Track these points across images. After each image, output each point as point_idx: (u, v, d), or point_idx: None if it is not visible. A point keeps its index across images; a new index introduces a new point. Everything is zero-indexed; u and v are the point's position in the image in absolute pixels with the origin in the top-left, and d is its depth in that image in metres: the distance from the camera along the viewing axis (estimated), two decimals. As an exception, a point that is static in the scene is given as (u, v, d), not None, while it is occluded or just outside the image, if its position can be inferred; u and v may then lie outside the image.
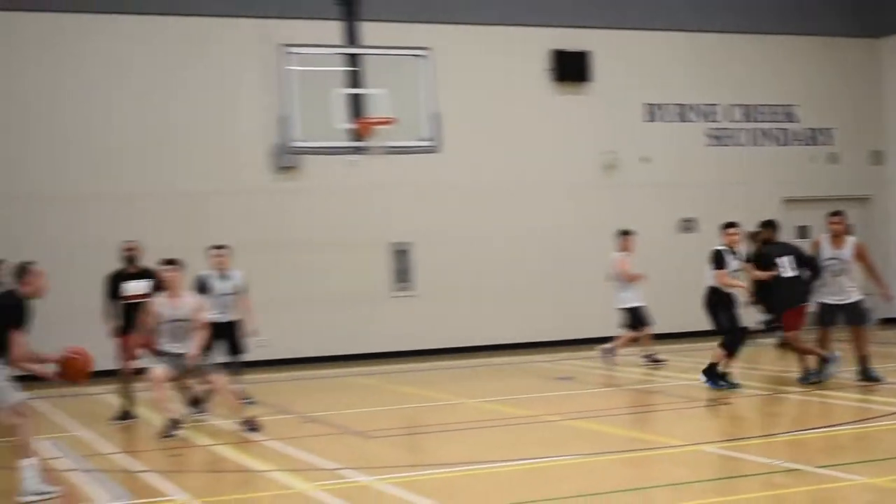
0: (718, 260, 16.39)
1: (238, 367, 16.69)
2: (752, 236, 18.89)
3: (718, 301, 16.49)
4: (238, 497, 10.90)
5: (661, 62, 25.72)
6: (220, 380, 14.21)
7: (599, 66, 25.04)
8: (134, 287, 15.72)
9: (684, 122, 26.06)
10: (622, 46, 25.31)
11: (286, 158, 21.90)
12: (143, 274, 15.85)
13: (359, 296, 23.26)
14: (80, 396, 18.27)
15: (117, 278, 15.95)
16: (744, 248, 17.73)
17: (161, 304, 14.25)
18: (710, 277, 16.57)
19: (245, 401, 16.09)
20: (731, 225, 16.82)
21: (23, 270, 11.26)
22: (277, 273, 22.34)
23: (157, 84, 22.22)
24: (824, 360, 16.28)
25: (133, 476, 11.91)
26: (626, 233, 20.03)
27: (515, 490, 10.43)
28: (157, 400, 13.88)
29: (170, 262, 14.10)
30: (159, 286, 15.16)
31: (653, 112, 25.79)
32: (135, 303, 15.52)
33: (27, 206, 21.19)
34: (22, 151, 21.47)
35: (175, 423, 13.73)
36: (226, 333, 16.57)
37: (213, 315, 16.32)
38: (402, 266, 23.78)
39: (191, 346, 14.00)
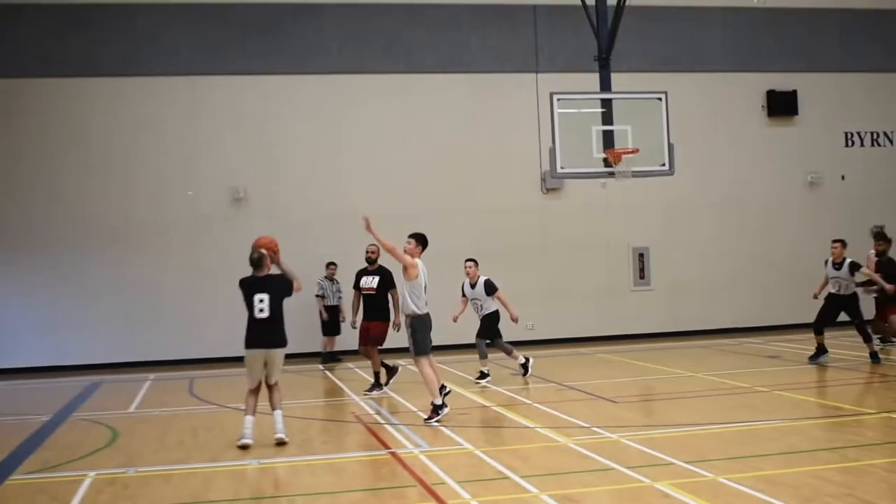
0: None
1: (503, 345, 16.66)
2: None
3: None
4: (512, 447, 10.94)
5: (857, 97, 24.79)
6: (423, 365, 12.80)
7: (805, 102, 24.39)
8: (364, 282, 15.81)
9: (876, 146, 25.19)
10: (824, 85, 24.55)
11: (552, 182, 22.24)
12: (378, 272, 15.78)
13: (606, 289, 23.30)
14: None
15: (360, 275, 16.03)
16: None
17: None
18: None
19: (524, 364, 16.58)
20: (835, 242, 17.19)
21: (261, 258, 11.50)
22: (543, 270, 22.71)
23: (456, 125, 22.72)
24: None
25: (430, 429, 12.10)
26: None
27: (731, 447, 10.34)
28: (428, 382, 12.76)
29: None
30: (391, 282, 15.47)
31: (850, 138, 25.07)
32: (368, 294, 15.71)
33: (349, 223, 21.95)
34: (348, 179, 22.21)
35: (438, 408, 12.54)
36: (485, 323, 16.66)
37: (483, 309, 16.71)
38: (640, 265, 23.65)
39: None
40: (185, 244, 21.49)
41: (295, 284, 11.63)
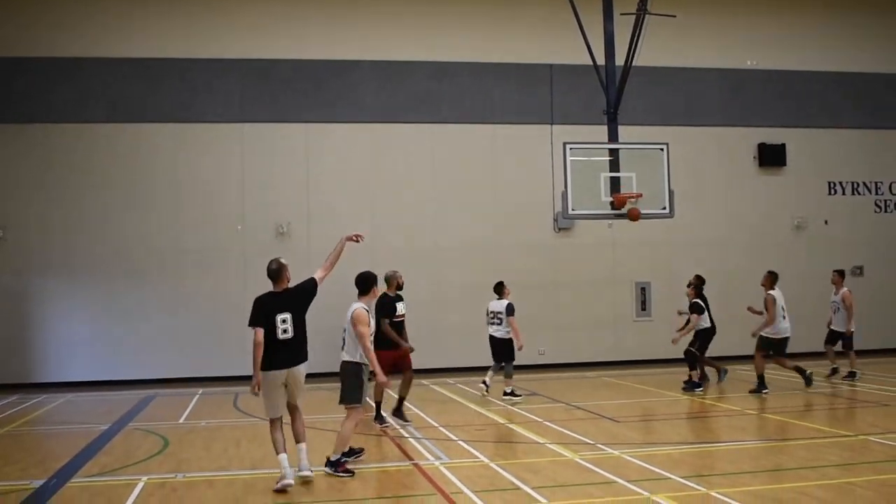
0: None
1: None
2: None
3: None
4: (524, 461, 10.88)
5: (840, 151, 24.78)
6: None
7: (793, 155, 24.40)
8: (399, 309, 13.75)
9: (857, 195, 25.12)
10: (810, 140, 24.55)
11: (564, 222, 22.14)
12: (400, 298, 13.83)
13: (611, 319, 23.25)
14: (417, 385, 18.81)
15: (393, 302, 13.74)
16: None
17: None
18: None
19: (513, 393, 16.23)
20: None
21: (280, 268, 9.96)
22: (554, 301, 22.68)
23: (478, 170, 22.81)
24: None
25: (450, 443, 12.10)
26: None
27: (723, 464, 10.32)
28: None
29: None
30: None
31: (833, 187, 24.98)
32: (401, 321, 13.85)
33: (380, 255, 22.07)
34: (379, 217, 22.27)
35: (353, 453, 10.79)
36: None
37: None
38: (642, 298, 23.59)
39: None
40: (232, 273, 21.52)
41: (319, 273, 10.00)
